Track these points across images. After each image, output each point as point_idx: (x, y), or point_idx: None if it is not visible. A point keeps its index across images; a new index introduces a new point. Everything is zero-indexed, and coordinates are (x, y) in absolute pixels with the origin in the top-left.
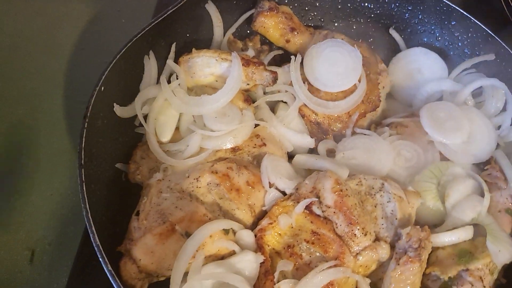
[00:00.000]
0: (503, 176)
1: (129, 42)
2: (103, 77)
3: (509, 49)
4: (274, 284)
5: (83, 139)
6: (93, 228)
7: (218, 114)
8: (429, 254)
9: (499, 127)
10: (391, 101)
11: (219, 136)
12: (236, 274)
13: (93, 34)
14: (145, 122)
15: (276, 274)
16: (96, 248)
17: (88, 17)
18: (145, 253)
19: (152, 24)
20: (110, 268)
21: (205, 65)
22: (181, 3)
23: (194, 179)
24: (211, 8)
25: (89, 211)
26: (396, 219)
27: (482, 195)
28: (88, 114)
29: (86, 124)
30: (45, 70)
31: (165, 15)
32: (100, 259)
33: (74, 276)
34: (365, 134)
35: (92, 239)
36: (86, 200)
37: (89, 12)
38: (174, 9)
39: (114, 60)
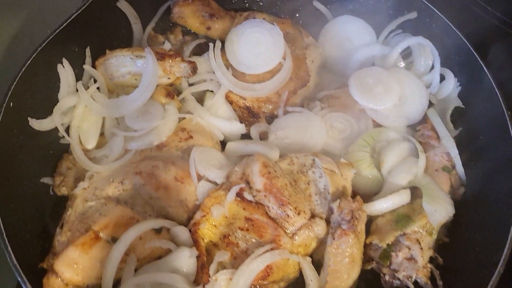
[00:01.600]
0: (435, 134)
1: (33, 53)
2: (10, 93)
3: (430, 6)
4: (209, 276)
5: None
6: (9, 249)
7: (139, 113)
8: (369, 223)
9: (430, 86)
10: (326, 74)
11: (142, 135)
12: (174, 272)
13: (22, 50)
14: (68, 132)
15: (213, 266)
16: (13, 268)
17: (13, 31)
18: (68, 266)
19: (57, 32)
20: (29, 286)
21: (121, 65)
22: (85, 6)
23: (119, 182)
24: (124, 6)
25: (3, 231)
26: (328, 193)
27: (418, 156)
28: None
29: None
30: None
31: (70, 19)
32: (19, 278)
33: None
34: (296, 112)
35: (9, 259)
36: (1, 222)
37: (14, 26)
38: (79, 12)
39: (20, 74)
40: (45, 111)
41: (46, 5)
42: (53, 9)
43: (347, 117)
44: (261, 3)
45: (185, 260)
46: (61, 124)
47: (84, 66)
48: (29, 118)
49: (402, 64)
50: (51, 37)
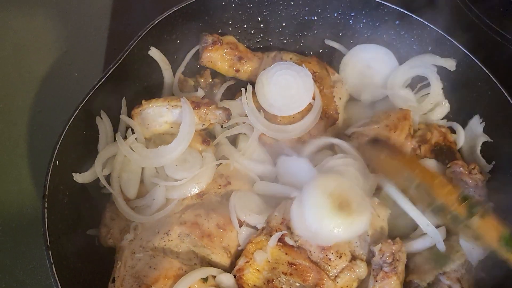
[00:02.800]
0: (467, 170)
1: (75, 110)
2: (56, 152)
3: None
4: None
5: (45, 220)
6: None
7: (178, 162)
8: (407, 261)
9: None
10: (354, 107)
11: (183, 184)
12: None
13: (49, 93)
14: (109, 182)
15: None
16: None
17: (40, 76)
18: None
19: (96, 87)
20: None
21: (157, 114)
22: (122, 59)
23: (164, 233)
24: (156, 54)
25: None
26: (368, 235)
27: None
28: (47, 193)
29: (46, 204)
30: (5, 140)
31: (108, 74)
32: None
33: None
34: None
35: None
36: (58, 282)
37: (41, 71)
38: (116, 65)
39: (64, 132)
40: (86, 164)
41: (72, 48)
42: (79, 52)
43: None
44: (284, 41)
45: None
46: (102, 175)
47: (121, 117)
48: (73, 174)
49: (413, 97)
50: (91, 93)
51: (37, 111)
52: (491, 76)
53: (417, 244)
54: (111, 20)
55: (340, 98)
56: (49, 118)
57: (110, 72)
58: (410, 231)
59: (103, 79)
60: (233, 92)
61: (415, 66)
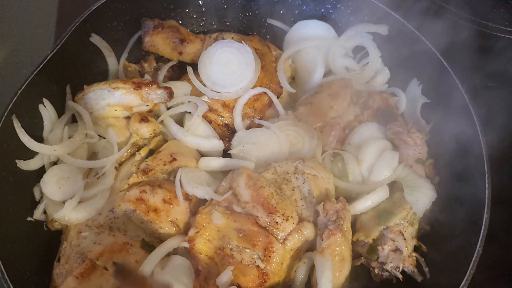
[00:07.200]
0: (405, 129)
1: (14, 96)
2: None
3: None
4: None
5: None
6: None
7: None
8: (353, 222)
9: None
10: (299, 80)
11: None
12: None
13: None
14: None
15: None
16: None
17: None
18: None
19: (34, 73)
20: None
21: (99, 98)
22: (60, 45)
23: (109, 211)
24: (97, 40)
25: (4, 272)
26: (313, 197)
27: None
28: None
29: None
30: None
31: (45, 60)
32: None
33: None
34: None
35: None
36: (1, 264)
37: None
38: (53, 52)
39: (3, 118)
40: (32, 151)
41: (19, 46)
42: (26, 49)
43: (301, 132)
44: (228, 23)
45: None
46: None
47: (69, 102)
48: (16, 160)
49: (357, 66)
50: (29, 79)
51: None
52: (424, 39)
53: (360, 204)
54: (58, 16)
55: (283, 73)
56: None
57: (48, 59)
58: (356, 194)
59: (41, 66)
60: (177, 74)
61: (351, 36)
